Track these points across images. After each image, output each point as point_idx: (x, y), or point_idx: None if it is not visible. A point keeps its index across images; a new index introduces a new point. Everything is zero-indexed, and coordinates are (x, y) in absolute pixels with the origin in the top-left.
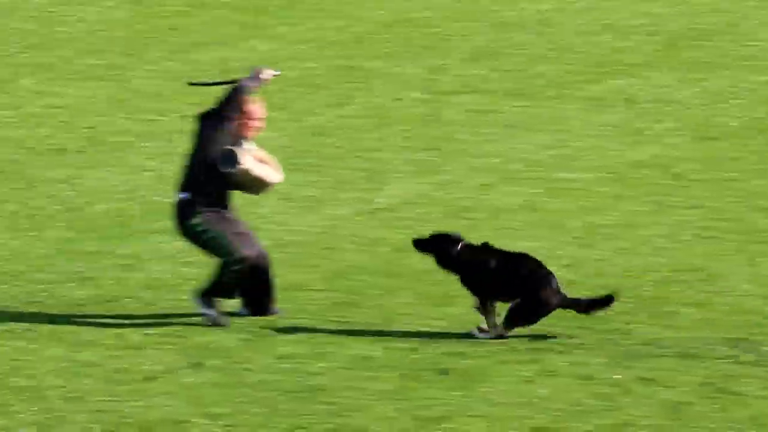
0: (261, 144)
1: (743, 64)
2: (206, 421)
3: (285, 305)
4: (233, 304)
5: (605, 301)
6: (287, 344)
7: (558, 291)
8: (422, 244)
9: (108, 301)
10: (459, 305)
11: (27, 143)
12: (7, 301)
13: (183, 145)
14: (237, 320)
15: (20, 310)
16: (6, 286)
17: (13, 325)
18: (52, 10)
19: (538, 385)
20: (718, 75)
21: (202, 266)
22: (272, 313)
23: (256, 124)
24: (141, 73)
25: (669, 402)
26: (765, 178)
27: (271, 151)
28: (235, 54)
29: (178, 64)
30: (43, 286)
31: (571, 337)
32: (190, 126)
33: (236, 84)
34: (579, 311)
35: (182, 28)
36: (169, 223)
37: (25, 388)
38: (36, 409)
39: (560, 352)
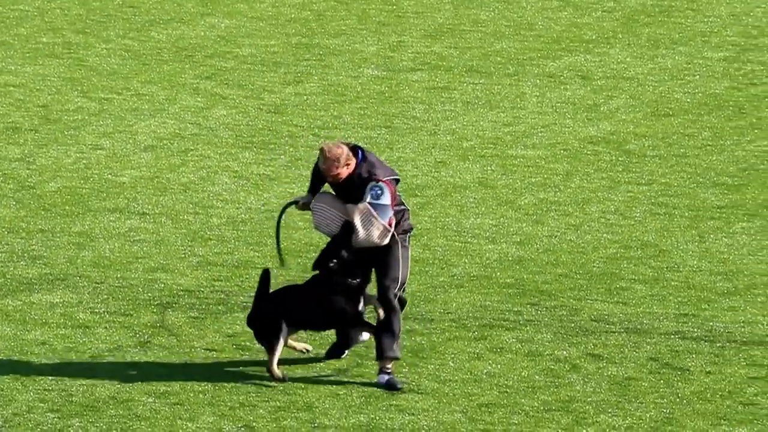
0: (221, 123)
1: (699, 40)
2: (152, 399)
3: (237, 283)
4: None
5: None
6: (236, 323)
7: None
8: None
9: (58, 280)
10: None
11: None
12: None
13: (136, 123)
14: (186, 299)
15: None
16: None
17: None
18: None
19: (487, 361)
20: (673, 51)
21: (152, 245)
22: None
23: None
24: (97, 51)
25: (616, 378)
26: (717, 154)
27: (229, 129)
28: (193, 32)
29: (135, 42)
30: None
31: (519, 313)
32: (144, 104)
33: None
34: None
35: (139, 5)
36: (120, 201)
37: None
38: None
39: (508, 329)
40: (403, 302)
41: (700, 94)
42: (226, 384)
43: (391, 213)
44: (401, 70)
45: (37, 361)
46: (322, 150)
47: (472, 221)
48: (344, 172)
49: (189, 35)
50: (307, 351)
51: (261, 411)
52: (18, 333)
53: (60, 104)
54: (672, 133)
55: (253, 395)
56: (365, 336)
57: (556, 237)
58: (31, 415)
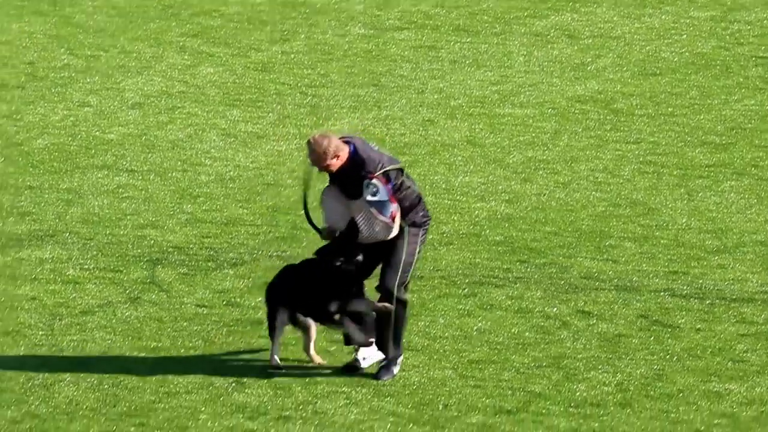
0: (208, 81)
1: None
2: (143, 355)
3: (226, 240)
4: None
5: None
6: (225, 279)
7: None
8: None
9: (48, 236)
10: None
11: None
12: None
13: (123, 81)
14: (176, 255)
15: None
16: None
17: None
18: None
19: (477, 318)
20: (660, 11)
21: (140, 201)
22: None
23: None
24: (83, 8)
25: (606, 335)
26: (705, 113)
27: (216, 87)
28: None
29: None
30: None
31: (509, 270)
32: (131, 62)
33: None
34: None
35: None
36: (108, 158)
37: None
38: None
39: (498, 286)
40: (404, 304)
41: (687, 54)
42: (216, 340)
43: (392, 207)
44: (388, 29)
45: (28, 316)
46: (308, 143)
47: (461, 179)
48: (335, 163)
49: None
50: (321, 366)
51: (252, 366)
52: (8, 288)
53: (47, 61)
54: (659, 92)
55: (244, 351)
56: (377, 355)
57: (544, 195)
58: (23, 370)
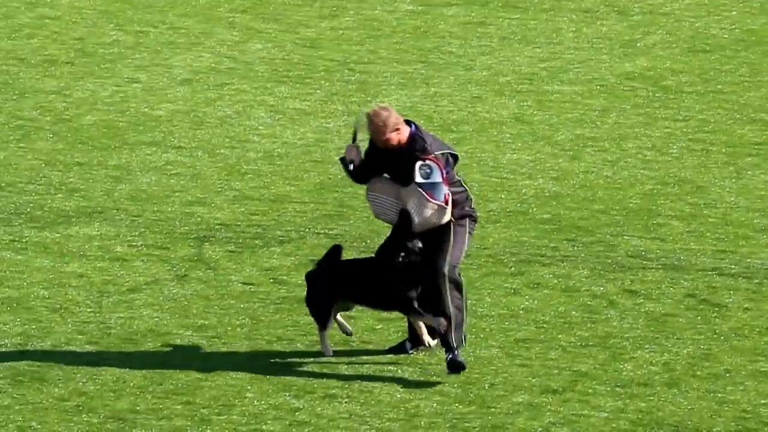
0: (257, 57)
1: None
2: (190, 333)
3: (273, 217)
4: None
5: None
6: (273, 257)
7: None
8: None
9: (96, 213)
10: None
11: (17, 54)
12: None
13: (172, 57)
14: (223, 232)
15: (8, 221)
16: None
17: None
18: None
19: (524, 297)
20: None
21: (188, 178)
22: None
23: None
24: None
25: (653, 314)
26: (755, 90)
27: (264, 63)
28: None
29: None
30: (30, 197)
31: (556, 249)
32: (180, 38)
33: None
34: None
35: None
36: (157, 134)
37: (10, 299)
38: (21, 319)
39: (545, 265)
40: (458, 285)
41: (737, 30)
42: (263, 318)
43: (445, 189)
44: (437, 5)
45: (75, 293)
46: (368, 115)
47: (509, 157)
48: (394, 137)
49: None
50: (349, 334)
51: (299, 345)
52: (56, 265)
53: (96, 37)
54: (709, 69)
55: (291, 329)
56: (432, 342)
57: (592, 173)
58: (70, 347)
